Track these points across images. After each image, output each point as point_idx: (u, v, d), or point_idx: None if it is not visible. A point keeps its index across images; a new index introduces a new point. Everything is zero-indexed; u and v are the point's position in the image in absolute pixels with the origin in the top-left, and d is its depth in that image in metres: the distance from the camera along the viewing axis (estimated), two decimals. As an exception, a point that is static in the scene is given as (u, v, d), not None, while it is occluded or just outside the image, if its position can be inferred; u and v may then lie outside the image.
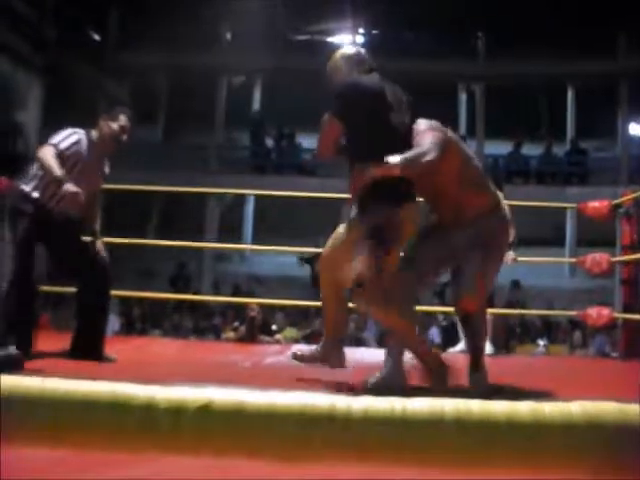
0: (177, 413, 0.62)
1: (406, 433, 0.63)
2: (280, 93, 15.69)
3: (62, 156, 3.83)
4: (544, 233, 13.89)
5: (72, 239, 4.01)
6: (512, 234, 5.73)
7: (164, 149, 15.70)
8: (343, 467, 0.68)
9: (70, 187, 3.71)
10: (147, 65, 15.59)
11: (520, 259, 5.74)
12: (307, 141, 15.73)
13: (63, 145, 3.87)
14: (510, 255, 5.69)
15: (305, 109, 15.29)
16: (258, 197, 14.97)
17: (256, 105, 16.69)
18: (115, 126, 4.03)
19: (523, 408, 0.64)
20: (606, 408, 0.64)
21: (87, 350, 3.89)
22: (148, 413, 0.63)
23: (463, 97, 16.52)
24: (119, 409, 0.63)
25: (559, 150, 15.43)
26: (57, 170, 3.73)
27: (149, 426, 0.63)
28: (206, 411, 0.63)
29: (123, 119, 4.07)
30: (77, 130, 3.99)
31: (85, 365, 3.71)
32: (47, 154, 3.78)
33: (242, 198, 15.68)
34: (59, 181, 3.72)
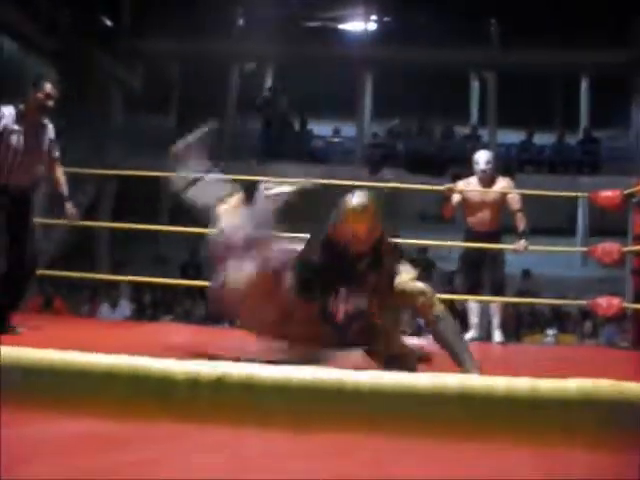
0: (193, 385, 0.65)
1: (411, 405, 0.66)
2: (292, 80, 15.68)
3: None
4: (556, 222, 13.85)
5: (23, 213, 4.21)
6: (524, 222, 5.75)
7: (177, 136, 15.71)
8: (353, 437, 0.72)
9: None
10: (160, 51, 15.60)
11: (531, 248, 5.75)
12: (318, 128, 15.73)
13: None
14: (522, 244, 5.71)
15: (317, 96, 15.31)
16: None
17: (268, 92, 16.68)
18: (40, 95, 4.23)
19: (521, 384, 0.67)
20: (601, 385, 0.67)
21: None
22: (165, 385, 0.66)
23: (475, 85, 16.47)
24: (137, 381, 0.66)
25: (572, 139, 15.36)
26: None
27: (166, 397, 0.67)
28: (220, 383, 0.66)
29: (48, 87, 4.28)
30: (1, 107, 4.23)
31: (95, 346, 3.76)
32: None
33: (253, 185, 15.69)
34: None
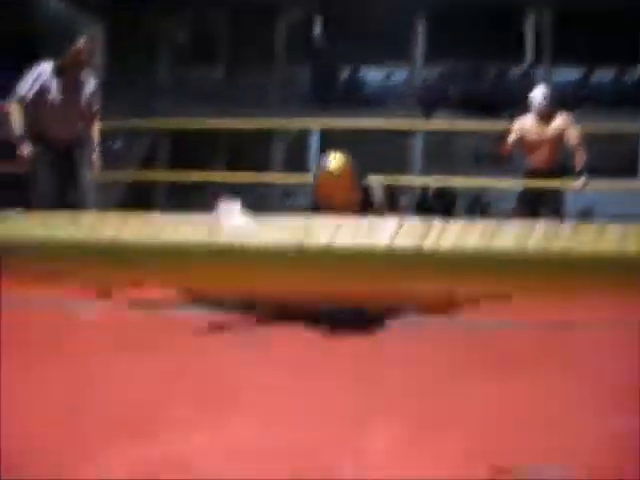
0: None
1: (492, 261, 0.66)
2: (342, 27, 15.45)
3: (25, 100, 4.31)
4: (615, 161, 13.49)
5: (67, 167, 4.32)
6: (583, 158, 5.62)
7: (226, 87, 15.73)
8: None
9: (22, 149, 4.27)
10: (206, 2, 15.52)
11: (590, 187, 5.63)
12: (370, 73, 15.56)
13: (23, 91, 4.34)
14: (582, 181, 5.59)
15: (368, 41, 15.07)
16: (323, 131, 14.90)
17: (317, 40, 16.50)
18: (76, 50, 4.41)
19: (610, 233, 0.65)
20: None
21: None
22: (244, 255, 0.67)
23: (530, 23, 15.99)
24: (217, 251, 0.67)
25: (631, 76, 14.87)
26: (17, 130, 4.29)
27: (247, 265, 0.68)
28: (301, 252, 0.66)
29: (82, 42, 4.45)
30: (38, 67, 4.40)
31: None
32: (13, 112, 4.32)
33: (307, 133, 15.63)
34: (17, 140, 4.28)
